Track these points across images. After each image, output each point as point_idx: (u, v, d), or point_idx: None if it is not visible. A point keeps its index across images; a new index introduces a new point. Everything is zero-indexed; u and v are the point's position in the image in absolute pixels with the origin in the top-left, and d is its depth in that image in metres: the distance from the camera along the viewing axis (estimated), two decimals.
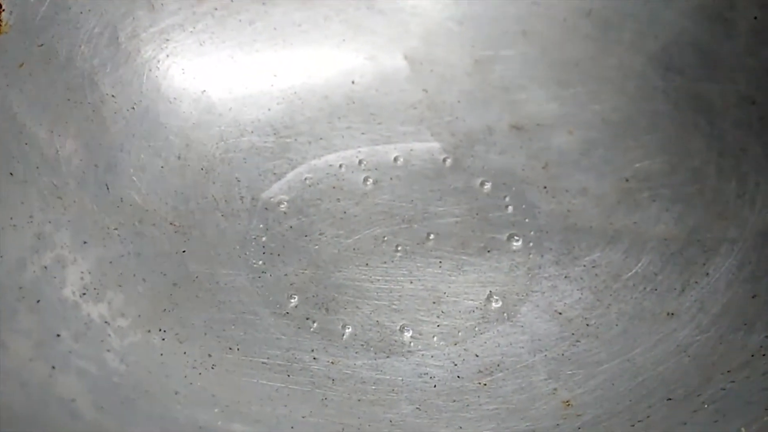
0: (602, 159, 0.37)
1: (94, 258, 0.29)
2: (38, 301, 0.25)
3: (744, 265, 0.30)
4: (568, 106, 0.39)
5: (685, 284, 0.30)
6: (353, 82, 0.40)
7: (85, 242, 0.29)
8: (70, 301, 0.26)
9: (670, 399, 0.26)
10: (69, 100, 0.32)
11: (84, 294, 0.27)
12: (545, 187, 0.36)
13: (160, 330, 0.28)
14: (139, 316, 0.28)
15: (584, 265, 0.33)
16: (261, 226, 0.34)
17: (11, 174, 0.28)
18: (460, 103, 0.39)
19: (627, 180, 0.35)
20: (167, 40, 0.37)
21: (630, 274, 0.32)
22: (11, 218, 0.27)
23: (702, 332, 0.28)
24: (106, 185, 0.32)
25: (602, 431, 0.25)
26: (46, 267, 0.26)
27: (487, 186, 0.36)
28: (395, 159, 0.38)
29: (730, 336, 0.28)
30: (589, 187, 0.36)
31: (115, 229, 0.31)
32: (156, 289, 0.29)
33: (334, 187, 0.36)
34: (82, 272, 0.28)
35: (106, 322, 0.26)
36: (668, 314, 0.29)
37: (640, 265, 0.32)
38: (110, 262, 0.29)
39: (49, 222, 0.28)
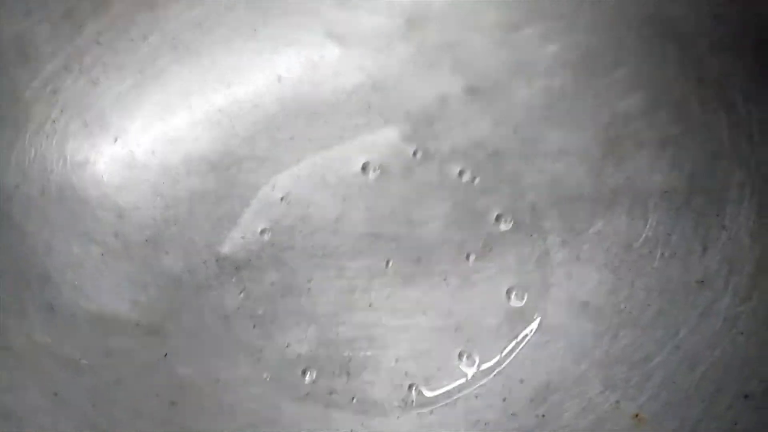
0: (572, 108, 0.34)
1: (73, 412, 0.24)
2: None
3: (764, 210, 0.28)
4: (520, 52, 0.35)
5: (704, 243, 0.29)
6: (280, 80, 0.34)
7: (55, 394, 0.24)
8: None
9: (747, 396, 0.24)
10: None
11: None
12: (521, 156, 0.33)
13: None
14: None
15: (591, 241, 0.30)
16: (238, 292, 0.30)
17: None
18: (404, 75, 0.35)
19: (605, 129, 0.32)
20: (55, 91, 0.30)
21: (641, 240, 0.30)
22: None
23: (744, 300, 0.27)
24: (50, 305, 0.26)
25: None
26: None
27: (461, 170, 0.33)
28: (357, 164, 0.33)
29: None
30: (567, 145, 0.33)
31: (81, 358, 0.26)
32: (156, 419, 0.25)
33: (302, 219, 0.32)
34: None
35: None
36: (697, 282, 0.28)
37: (648, 227, 0.30)
38: (93, 406, 0.24)
39: (6, 391, 0.23)
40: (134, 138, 0.32)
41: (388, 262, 0.30)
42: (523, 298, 0.29)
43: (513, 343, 0.28)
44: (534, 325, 0.28)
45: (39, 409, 0.23)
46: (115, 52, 0.32)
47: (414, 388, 0.27)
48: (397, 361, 0.28)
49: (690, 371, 0.26)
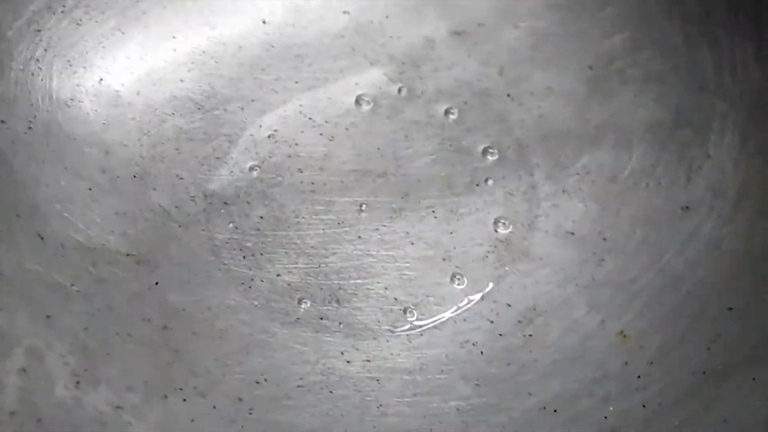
0: (557, 49, 0.34)
1: (66, 332, 0.24)
2: (39, 420, 0.20)
3: (746, 139, 0.29)
4: None
5: (689, 172, 0.29)
6: (264, 22, 0.34)
7: (48, 317, 0.24)
8: (69, 402, 0.22)
9: (731, 309, 0.25)
10: None
11: (78, 383, 0.22)
12: (508, 95, 0.33)
13: (176, 389, 0.24)
14: (146, 382, 0.24)
15: (577, 174, 0.31)
16: (228, 225, 0.30)
17: None
18: (389, 18, 0.35)
19: (590, 68, 0.33)
20: (38, 30, 0.30)
21: (627, 172, 0.30)
22: None
23: (727, 222, 0.27)
24: (39, 235, 0.26)
25: (678, 363, 0.23)
26: (24, 370, 0.22)
27: (449, 109, 0.33)
28: (343, 105, 0.33)
29: (761, 224, 0.27)
30: (552, 84, 0.33)
31: (72, 285, 0.26)
32: (148, 342, 0.25)
33: (289, 156, 0.32)
34: (62, 356, 0.23)
35: (118, 407, 0.22)
36: (683, 209, 0.28)
37: (633, 160, 0.31)
38: (85, 329, 0.24)
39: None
40: (118, 78, 0.32)
41: (376, 197, 0.30)
42: (509, 228, 0.29)
43: (500, 271, 0.29)
44: (521, 256, 0.29)
45: (31, 330, 0.23)
46: None
47: (403, 312, 0.27)
48: (386, 288, 0.28)
49: (674, 291, 0.26)
